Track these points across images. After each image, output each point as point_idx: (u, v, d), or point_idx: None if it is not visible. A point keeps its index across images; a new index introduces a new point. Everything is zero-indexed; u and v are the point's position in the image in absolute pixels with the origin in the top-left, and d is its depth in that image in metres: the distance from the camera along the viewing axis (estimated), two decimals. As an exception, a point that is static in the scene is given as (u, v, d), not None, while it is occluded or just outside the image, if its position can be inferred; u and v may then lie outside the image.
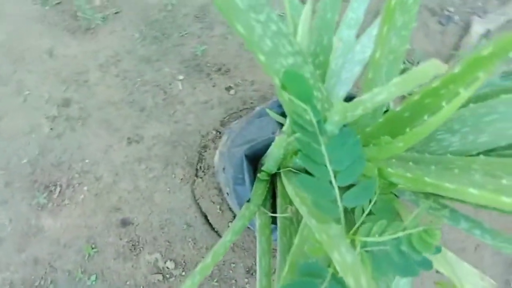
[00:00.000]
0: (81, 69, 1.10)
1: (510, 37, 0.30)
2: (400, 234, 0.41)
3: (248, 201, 0.66)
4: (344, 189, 0.45)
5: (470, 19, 1.32)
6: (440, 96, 0.43)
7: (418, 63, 1.18)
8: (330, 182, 0.44)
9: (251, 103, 1.13)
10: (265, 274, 0.56)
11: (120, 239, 1.05)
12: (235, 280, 1.04)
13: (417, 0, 0.47)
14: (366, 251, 0.43)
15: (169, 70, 1.13)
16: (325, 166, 0.44)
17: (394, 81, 0.36)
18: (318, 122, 0.45)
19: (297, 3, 0.69)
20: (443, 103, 0.46)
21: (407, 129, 0.52)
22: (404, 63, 1.17)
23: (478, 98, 0.55)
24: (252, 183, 0.74)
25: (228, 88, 1.14)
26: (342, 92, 0.65)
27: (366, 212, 0.48)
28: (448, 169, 0.49)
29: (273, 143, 0.55)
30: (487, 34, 1.30)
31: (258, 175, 0.68)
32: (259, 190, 0.69)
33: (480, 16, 1.35)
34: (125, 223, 1.06)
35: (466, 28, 1.25)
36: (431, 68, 0.31)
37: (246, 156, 0.74)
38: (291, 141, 0.56)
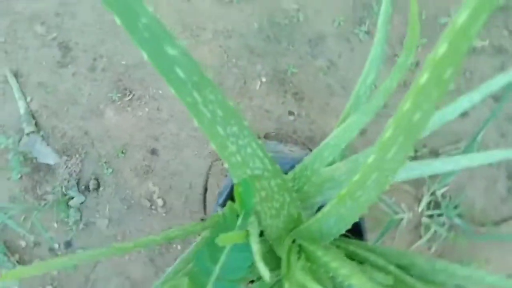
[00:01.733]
0: (201, 24, 1.28)
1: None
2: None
3: (203, 220, 0.81)
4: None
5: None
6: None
7: (454, 205, 1.15)
8: (213, 269, 0.57)
9: (299, 137, 1.23)
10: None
11: (143, 160, 1.29)
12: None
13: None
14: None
15: (260, 68, 1.26)
16: (220, 256, 0.57)
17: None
18: (242, 225, 0.57)
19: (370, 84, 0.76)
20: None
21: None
22: (444, 197, 1.15)
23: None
24: (224, 205, 0.89)
25: (291, 113, 1.24)
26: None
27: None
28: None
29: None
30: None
31: (218, 209, 0.82)
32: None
33: None
34: (153, 152, 1.29)
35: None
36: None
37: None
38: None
